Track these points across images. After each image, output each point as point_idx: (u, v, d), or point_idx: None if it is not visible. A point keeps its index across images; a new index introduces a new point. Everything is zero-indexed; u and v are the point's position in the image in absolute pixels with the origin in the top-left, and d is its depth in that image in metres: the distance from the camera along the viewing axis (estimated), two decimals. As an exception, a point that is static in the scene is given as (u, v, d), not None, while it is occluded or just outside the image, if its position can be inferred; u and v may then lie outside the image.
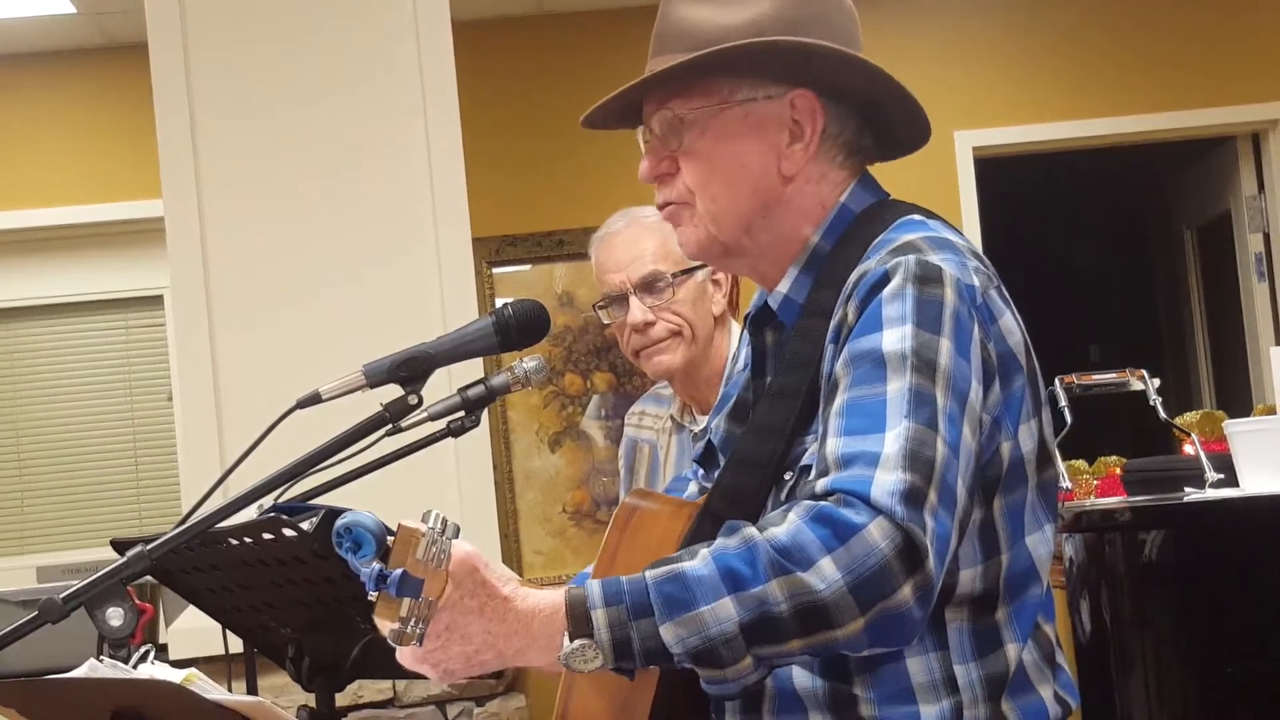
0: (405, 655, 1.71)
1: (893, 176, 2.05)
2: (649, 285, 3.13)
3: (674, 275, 3.13)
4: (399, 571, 1.63)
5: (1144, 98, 7.16)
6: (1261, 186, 7.35)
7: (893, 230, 1.91)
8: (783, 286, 1.99)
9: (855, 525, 1.65)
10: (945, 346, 1.77)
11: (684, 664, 1.69)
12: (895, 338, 1.76)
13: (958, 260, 1.84)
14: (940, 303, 1.79)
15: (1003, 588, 1.86)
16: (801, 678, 1.85)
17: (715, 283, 3.19)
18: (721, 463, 2.02)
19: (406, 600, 1.64)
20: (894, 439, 1.70)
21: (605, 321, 3.23)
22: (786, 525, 1.67)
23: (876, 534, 1.65)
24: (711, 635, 1.66)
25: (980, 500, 1.83)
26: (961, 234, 1.95)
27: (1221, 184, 7.64)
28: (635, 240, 3.16)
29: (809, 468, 1.81)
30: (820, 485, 1.70)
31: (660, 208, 2.04)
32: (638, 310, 3.14)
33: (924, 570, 1.66)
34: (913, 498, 1.67)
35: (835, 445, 1.73)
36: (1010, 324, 1.87)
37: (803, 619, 1.66)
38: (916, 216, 1.95)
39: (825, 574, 1.64)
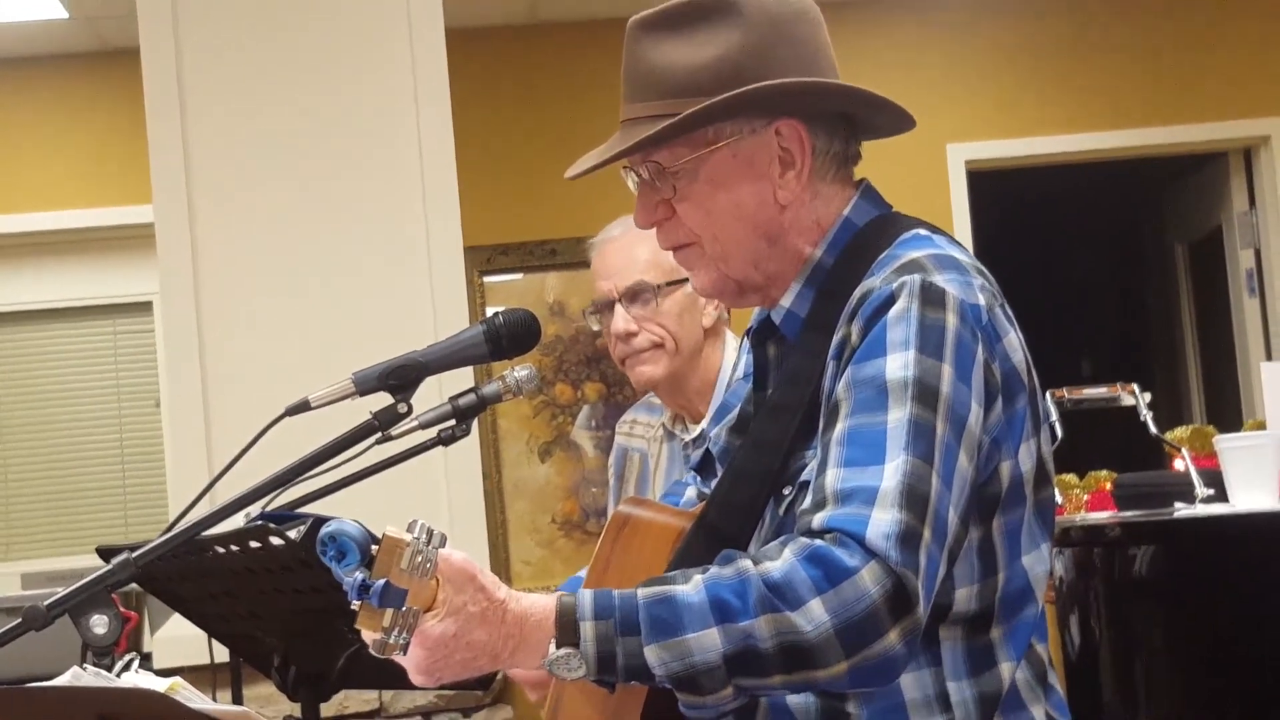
0: (409, 664, 1.70)
1: (885, 189, 2.04)
2: (634, 295, 3.12)
3: (662, 286, 3.11)
4: (382, 582, 1.62)
5: (1136, 112, 7.17)
6: (1253, 202, 7.36)
7: (898, 246, 1.90)
8: (785, 300, 1.98)
9: (848, 569, 1.66)
10: (947, 373, 1.77)
11: (664, 685, 1.70)
12: (898, 364, 1.76)
13: (963, 280, 1.84)
14: (943, 327, 1.79)
15: (998, 606, 1.85)
16: (795, 694, 1.84)
17: None
18: (719, 473, 2.01)
19: (389, 610, 1.63)
20: (892, 473, 1.71)
21: (595, 328, 3.23)
22: (781, 562, 1.68)
23: (868, 579, 1.65)
24: (694, 663, 1.67)
25: (978, 519, 1.83)
26: (966, 250, 1.94)
27: (1213, 199, 7.65)
28: (628, 248, 3.15)
29: (808, 483, 1.81)
30: (817, 521, 1.71)
31: (670, 250, 2.03)
32: (620, 319, 3.13)
33: (913, 616, 1.67)
34: (908, 539, 1.67)
35: (834, 477, 1.73)
36: (1014, 342, 1.87)
37: (786, 657, 1.67)
38: (922, 232, 1.94)
39: (813, 615, 1.65)
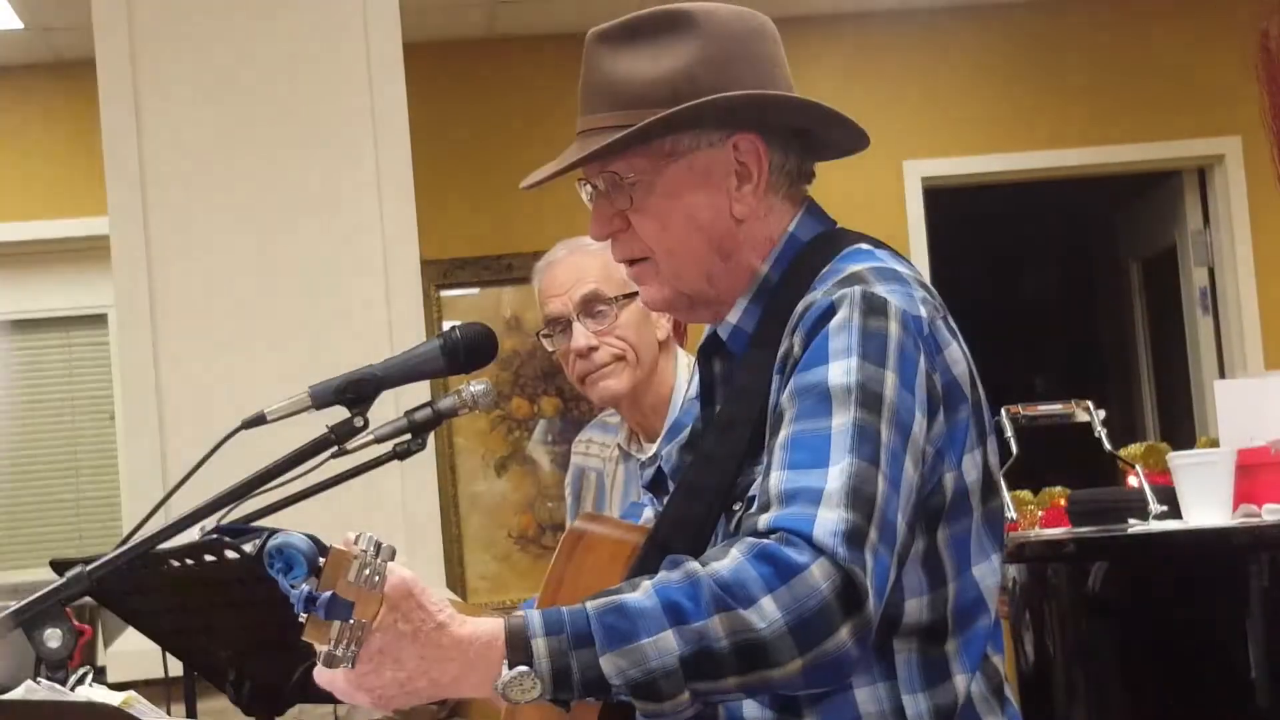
0: (338, 681, 1.69)
1: (842, 205, 2.05)
2: (590, 308, 3.09)
3: (617, 298, 3.10)
4: (328, 594, 1.62)
5: (1092, 131, 7.21)
6: (1207, 221, 7.41)
7: (840, 260, 1.92)
8: (732, 317, 1.99)
9: (797, 565, 1.66)
10: (890, 379, 1.78)
11: (621, 696, 1.69)
12: (840, 371, 1.77)
13: (904, 291, 1.85)
14: (885, 335, 1.80)
15: (951, 618, 1.86)
16: (751, 708, 1.85)
17: None
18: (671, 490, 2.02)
19: (336, 623, 1.62)
20: (837, 475, 1.71)
21: (550, 350, 3.19)
22: (729, 561, 1.68)
23: (818, 575, 1.65)
24: (652, 668, 1.66)
25: (923, 530, 1.84)
26: (909, 264, 1.95)
27: (1167, 218, 7.70)
28: (577, 265, 3.11)
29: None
30: (763, 522, 1.71)
31: (624, 263, 2.03)
32: (580, 335, 3.10)
33: (863, 613, 1.67)
34: (854, 537, 1.68)
35: (779, 479, 1.74)
36: (956, 354, 1.88)
37: (741, 656, 1.66)
38: (864, 246, 1.95)
39: (766, 613, 1.65)
